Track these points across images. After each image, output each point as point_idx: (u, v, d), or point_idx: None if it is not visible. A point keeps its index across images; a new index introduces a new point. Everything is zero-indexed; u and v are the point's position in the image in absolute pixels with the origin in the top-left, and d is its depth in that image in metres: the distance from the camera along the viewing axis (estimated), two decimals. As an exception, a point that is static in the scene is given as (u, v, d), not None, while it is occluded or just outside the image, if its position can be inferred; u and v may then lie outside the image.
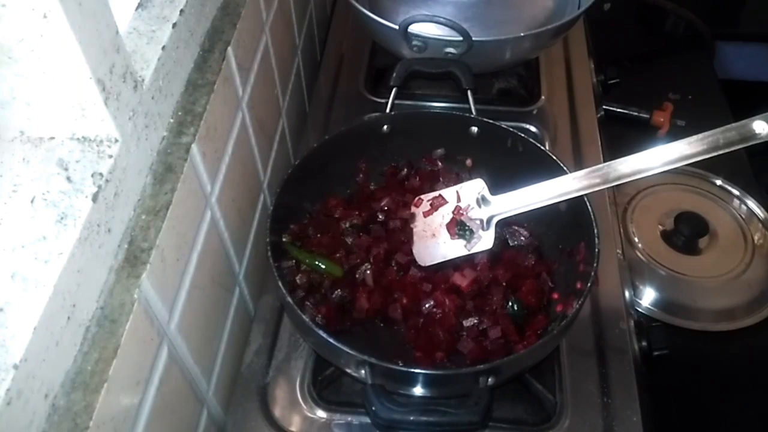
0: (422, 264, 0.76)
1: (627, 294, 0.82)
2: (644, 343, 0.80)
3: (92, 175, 0.47)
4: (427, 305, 0.73)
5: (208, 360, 0.69)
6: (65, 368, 0.44)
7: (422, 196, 0.80)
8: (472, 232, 0.74)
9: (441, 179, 0.85)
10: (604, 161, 0.94)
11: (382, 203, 0.82)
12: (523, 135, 0.80)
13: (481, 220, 0.74)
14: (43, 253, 0.43)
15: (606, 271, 0.81)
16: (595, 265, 0.67)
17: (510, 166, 0.82)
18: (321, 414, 0.70)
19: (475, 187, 0.76)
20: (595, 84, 1.10)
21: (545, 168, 0.76)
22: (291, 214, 0.77)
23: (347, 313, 0.75)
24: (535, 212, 0.73)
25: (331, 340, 0.61)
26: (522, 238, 0.81)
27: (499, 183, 0.76)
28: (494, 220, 0.74)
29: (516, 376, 0.68)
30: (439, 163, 0.87)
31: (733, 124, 0.63)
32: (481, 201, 0.75)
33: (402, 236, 0.79)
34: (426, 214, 0.79)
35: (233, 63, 0.71)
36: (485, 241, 0.74)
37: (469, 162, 0.86)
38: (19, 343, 0.38)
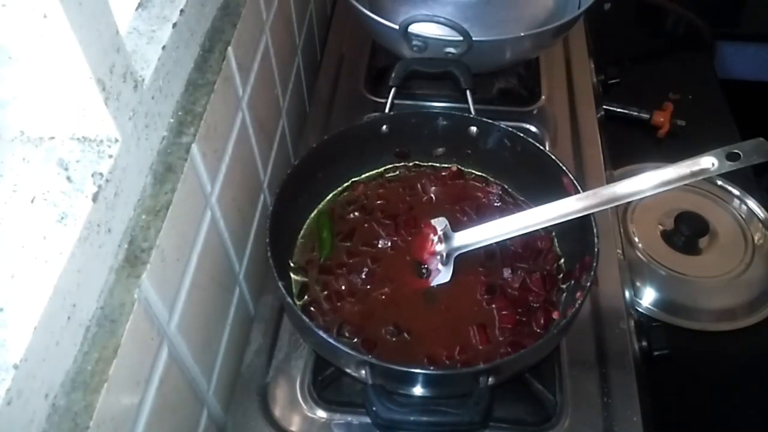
0: None
1: (627, 294, 0.82)
2: (644, 343, 0.80)
3: (92, 175, 0.47)
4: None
5: (208, 360, 0.69)
6: (65, 368, 0.44)
7: None
8: (429, 271, 0.74)
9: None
10: (605, 161, 0.95)
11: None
12: (522, 135, 0.80)
13: (441, 255, 0.74)
14: (43, 253, 0.43)
15: (606, 271, 0.81)
16: (595, 265, 0.67)
17: (510, 166, 0.82)
18: (321, 414, 0.70)
19: (438, 225, 0.75)
20: (595, 84, 1.10)
21: (545, 168, 0.76)
22: (291, 215, 0.77)
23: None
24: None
25: (331, 341, 0.61)
26: None
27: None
28: (454, 255, 0.73)
29: (516, 376, 0.68)
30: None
31: (686, 161, 0.66)
32: (443, 237, 0.74)
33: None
34: None
35: (233, 63, 0.71)
36: (444, 275, 0.73)
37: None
38: (19, 343, 0.38)
